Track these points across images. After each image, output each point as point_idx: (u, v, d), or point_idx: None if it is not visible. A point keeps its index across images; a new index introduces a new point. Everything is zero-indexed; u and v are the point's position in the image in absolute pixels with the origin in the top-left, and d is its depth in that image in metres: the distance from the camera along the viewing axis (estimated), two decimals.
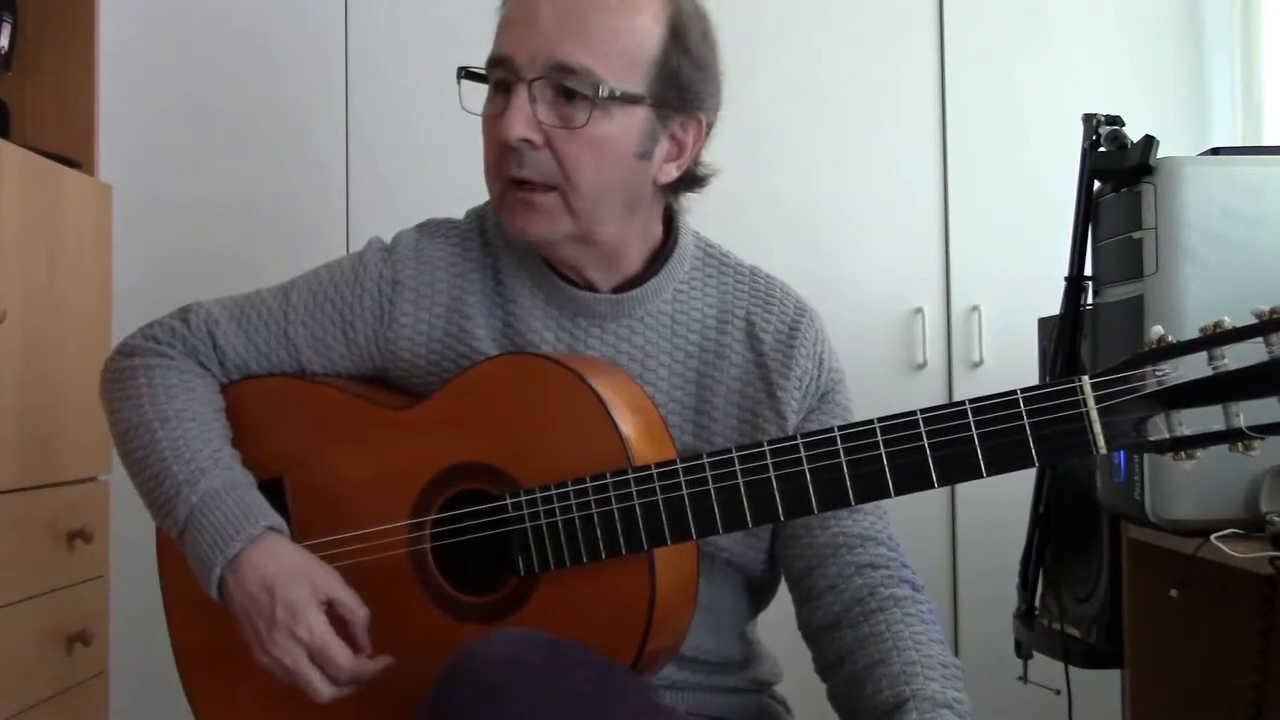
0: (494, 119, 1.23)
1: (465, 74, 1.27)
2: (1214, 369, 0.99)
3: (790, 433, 1.28)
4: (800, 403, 1.33)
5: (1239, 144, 2.52)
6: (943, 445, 1.06)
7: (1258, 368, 0.98)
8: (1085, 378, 1.03)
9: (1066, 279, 2.01)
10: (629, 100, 1.22)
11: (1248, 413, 0.99)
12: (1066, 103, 2.31)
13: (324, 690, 1.17)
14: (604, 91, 1.20)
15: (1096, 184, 1.97)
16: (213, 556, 1.19)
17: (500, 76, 1.23)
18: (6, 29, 2.22)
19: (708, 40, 1.29)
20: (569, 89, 1.20)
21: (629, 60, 1.22)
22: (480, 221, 1.36)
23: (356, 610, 1.20)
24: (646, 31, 1.23)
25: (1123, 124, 1.94)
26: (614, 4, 1.22)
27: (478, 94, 1.29)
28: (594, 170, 1.22)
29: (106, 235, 2.30)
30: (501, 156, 1.22)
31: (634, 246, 1.32)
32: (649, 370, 1.31)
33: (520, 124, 1.19)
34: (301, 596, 1.18)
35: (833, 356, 1.37)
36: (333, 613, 1.20)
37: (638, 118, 1.23)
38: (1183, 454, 1.02)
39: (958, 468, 1.07)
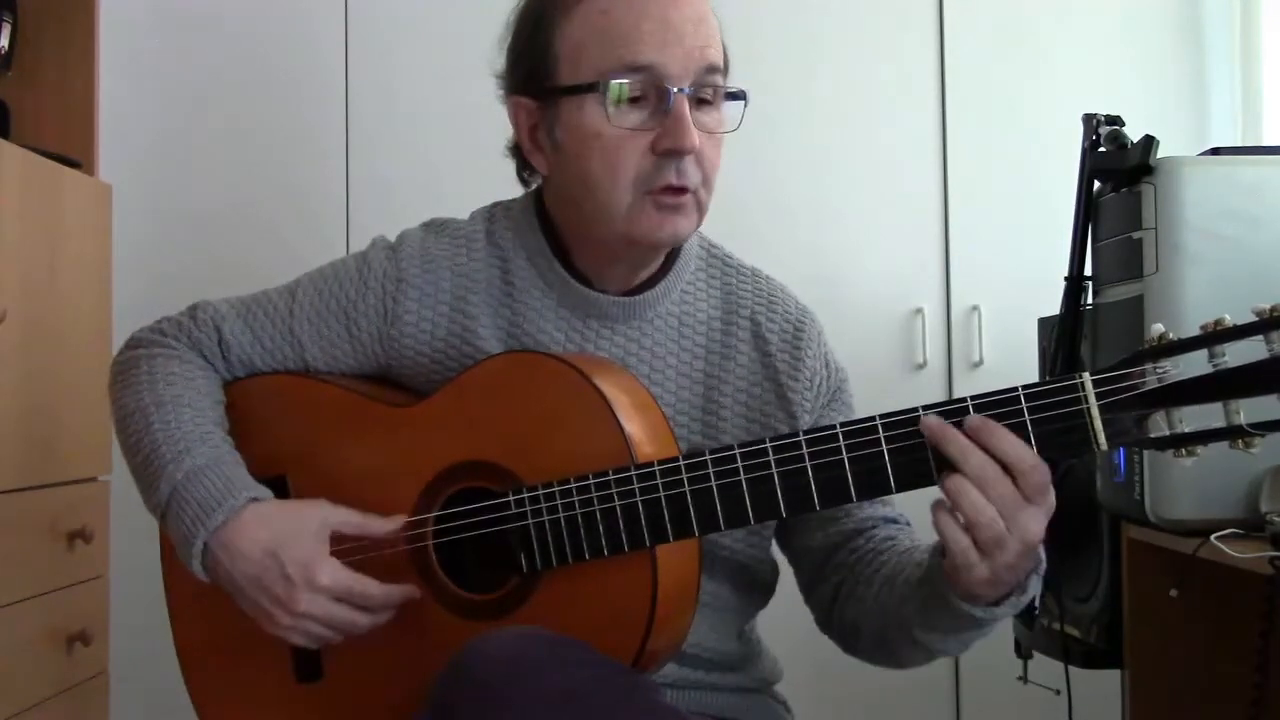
0: (636, 130, 1.21)
1: (605, 90, 1.22)
2: (1214, 366, 0.99)
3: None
4: (812, 403, 1.34)
5: (1239, 144, 2.52)
6: None
7: (1258, 365, 0.98)
8: (1086, 374, 1.03)
9: (1066, 279, 2.01)
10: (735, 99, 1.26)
11: (1248, 410, 0.99)
12: (1066, 103, 2.31)
13: (364, 622, 1.19)
14: (744, 95, 1.25)
15: (1096, 184, 1.97)
16: (194, 530, 1.19)
17: (636, 85, 1.21)
18: (6, 29, 2.23)
19: None
20: (706, 94, 1.22)
21: (727, 60, 1.26)
22: (487, 223, 1.36)
23: (364, 523, 1.21)
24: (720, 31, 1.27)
25: (1123, 124, 1.94)
26: (710, 7, 1.26)
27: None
28: (717, 170, 1.26)
29: (106, 235, 2.30)
30: (654, 166, 1.22)
31: None
32: (657, 371, 1.31)
33: (697, 134, 1.21)
34: (309, 549, 1.19)
35: (834, 355, 1.39)
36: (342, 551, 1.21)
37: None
38: (1183, 451, 1.02)
39: None
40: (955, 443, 1.04)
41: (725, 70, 1.27)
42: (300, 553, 1.18)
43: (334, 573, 1.19)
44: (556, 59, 1.25)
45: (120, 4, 2.52)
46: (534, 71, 1.27)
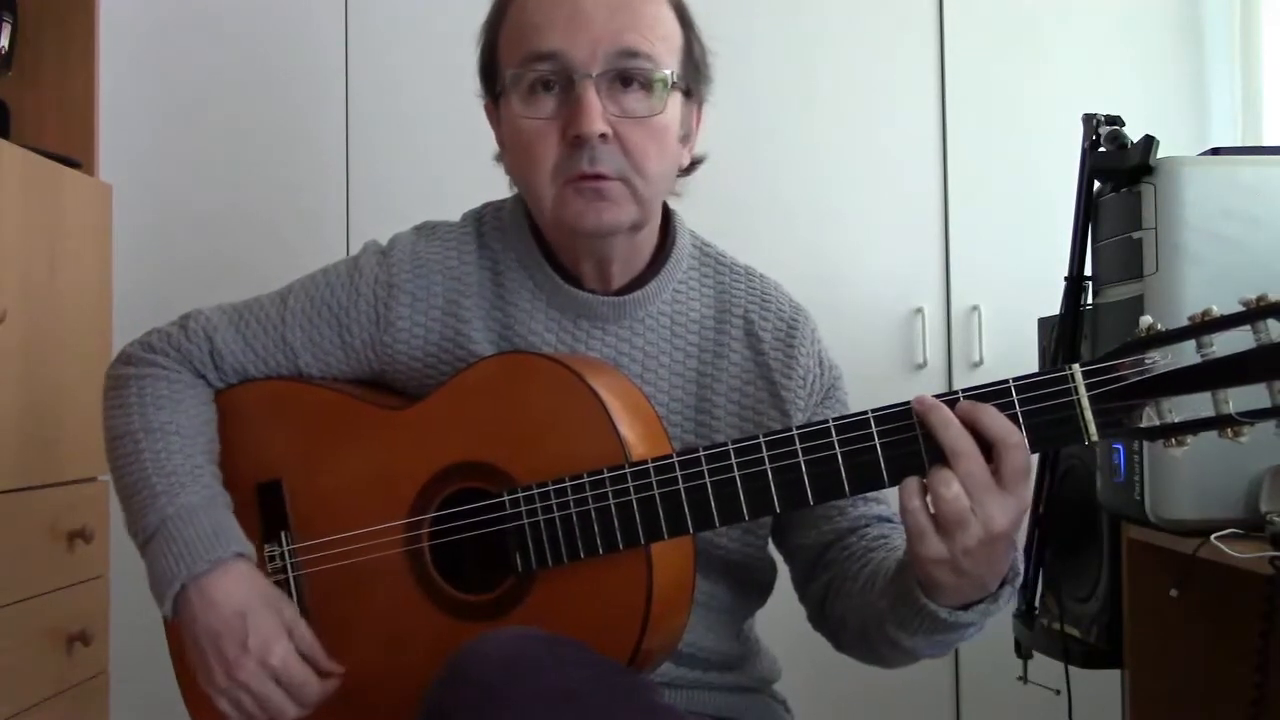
0: (550, 118, 1.22)
1: (518, 83, 1.24)
2: (1202, 357, 1.00)
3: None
4: (806, 401, 1.34)
5: (1239, 144, 2.52)
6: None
7: (1245, 354, 0.98)
8: (1076, 366, 1.03)
9: (1066, 279, 2.01)
10: (676, 86, 1.25)
11: (1236, 401, 1.00)
12: (1066, 103, 2.31)
13: (291, 713, 1.20)
14: (673, 79, 1.23)
15: (1096, 184, 1.97)
16: (175, 570, 1.20)
17: (545, 74, 1.22)
18: (6, 29, 2.23)
19: None
20: (628, 78, 1.21)
21: (669, 47, 1.25)
22: (477, 224, 1.36)
23: (317, 651, 1.22)
24: (671, 20, 1.26)
25: (1123, 124, 1.94)
26: None
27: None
28: (657, 158, 1.24)
29: (106, 235, 2.30)
30: (568, 154, 1.22)
31: (647, 240, 1.33)
32: (649, 371, 1.31)
33: (598, 119, 1.20)
34: (273, 625, 1.20)
35: (828, 353, 1.39)
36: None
37: (678, 103, 1.26)
38: (1173, 441, 1.02)
39: None
40: (938, 413, 1.03)
41: (691, 62, 1.27)
42: (265, 624, 1.19)
43: (286, 657, 1.19)
44: (499, 61, 1.27)
45: (120, 4, 2.53)
46: (488, 75, 1.30)
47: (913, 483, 1.04)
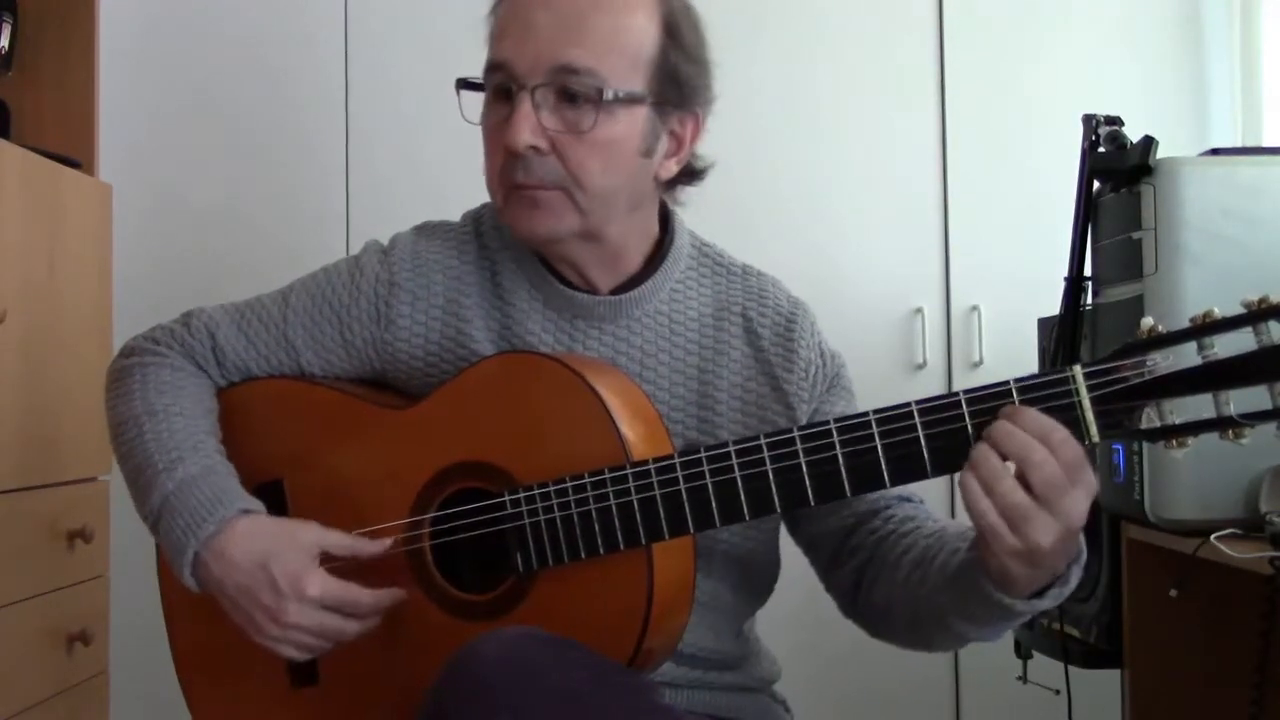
0: (496, 127, 1.23)
1: (463, 84, 1.28)
2: (1204, 358, 1.00)
3: (802, 423, 1.28)
4: (810, 392, 1.34)
5: (1239, 144, 2.52)
6: (938, 436, 1.06)
7: (1246, 356, 0.99)
8: (1078, 367, 1.03)
9: (1066, 279, 2.01)
10: (632, 100, 1.23)
11: (1237, 402, 1.00)
12: (1066, 103, 2.31)
13: (353, 630, 1.20)
14: (609, 94, 1.21)
15: (1096, 184, 1.97)
16: (185, 540, 1.20)
17: (499, 83, 1.23)
18: (6, 29, 2.23)
19: (699, 35, 1.30)
20: (571, 92, 1.21)
21: (629, 60, 1.23)
22: (476, 224, 1.37)
23: (354, 544, 1.22)
24: (643, 31, 1.24)
25: (1123, 124, 1.94)
26: (610, 5, 1.23)
27: (477, 101, 1.29)
28: (601, 172, 1.23)
29: (106, 235, 2.30)
30: (506, 164, 1.23)
31: (634, 245, 1.33)
32: (648, 369, 1.31)
33: (526, 132, 1.20)
34: (298, 561, 1.19)
35: (828, 343, 1.39)
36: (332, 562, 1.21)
37: (640, 117, 1.24)
38: (1174, 442, 1.02)
39: (952, 457, 1.06)
40: (999, 427, 1.03)
41: (665, 74, 1.24)
42: (290, 565, 1.19)
43: (323, 583, 1.19)
44: None
45: (120, 4, 2.53)
46: None
47: (975, 487, 1.02)
